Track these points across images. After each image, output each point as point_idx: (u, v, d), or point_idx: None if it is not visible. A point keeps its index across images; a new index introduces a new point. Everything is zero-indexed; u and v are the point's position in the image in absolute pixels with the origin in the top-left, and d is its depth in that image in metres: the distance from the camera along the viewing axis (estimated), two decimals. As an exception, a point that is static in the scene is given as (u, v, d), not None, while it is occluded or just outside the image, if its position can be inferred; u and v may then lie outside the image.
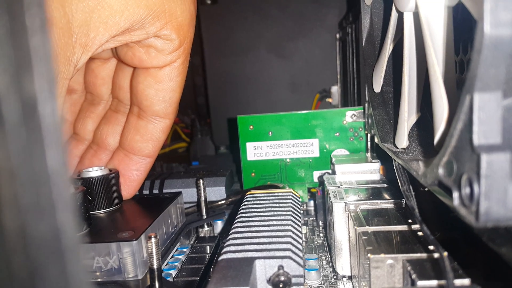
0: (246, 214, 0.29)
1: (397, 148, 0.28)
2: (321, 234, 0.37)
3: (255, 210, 0.30)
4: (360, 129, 0.42)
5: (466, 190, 0.16)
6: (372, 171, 0.35)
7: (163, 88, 0.31)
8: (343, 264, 0.28)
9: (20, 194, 0.07)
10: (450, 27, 0.22)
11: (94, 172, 0.31)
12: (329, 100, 0.65)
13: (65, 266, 0.08)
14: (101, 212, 0.31)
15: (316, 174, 0.44)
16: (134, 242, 0.25)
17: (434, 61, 0.21)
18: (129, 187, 0.34)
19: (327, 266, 0.31)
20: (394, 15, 0.28)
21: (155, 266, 0.25)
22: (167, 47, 0.30)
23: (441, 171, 0.18)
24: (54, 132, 0.08)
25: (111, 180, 0.31)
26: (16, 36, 0.07)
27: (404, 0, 0.24)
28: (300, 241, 0.25)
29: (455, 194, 0.17)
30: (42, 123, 0.07)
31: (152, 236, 0.25)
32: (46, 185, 0.08)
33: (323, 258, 0.32)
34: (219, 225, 0.39)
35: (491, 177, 0.15)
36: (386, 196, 0.29)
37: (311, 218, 0.41)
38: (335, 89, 0.63)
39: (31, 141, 0.07)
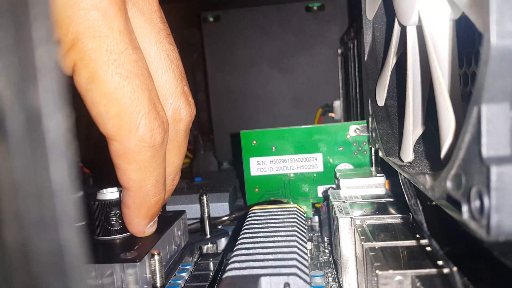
0: (251, 230, 0.28)
1: (403, 162, 0.28)
2: (327, 250, 0.36)
3: (260, 226, 0.29)
4: (364, 143, 0.42)
5: (475, 203, 0.16)
6: (377, 185, 0.34)
7: None
8: (350, 281, 0.28)
9: (22, 209, 0.07)
10: (453, 40, 0.22)
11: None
12: (332, 114, 0.65)
13: (68, 285, 0.07)
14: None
15: (321, 189, 0.43)
16: (138, 263, 0.24)
17: (439, 74, 0.21)
18: (128, 226, 0.30)
19: (333, 283, 0.30)
20: (396, 29, 0.28)
21: (158, 285, 0.25)
22: None
23: (449, 184, 0.18)
24: (59, 146, 0.07)
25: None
26: (22, 47, 0.07)
27: (407, 14, 0.24)
28: (306, 257, 0.25)
29: (465, 208, 0.16)
30: (46, 136, 0.07)
31: (155, 253, 0.25)
32: (49, 200, 0.07)
33: (329, 275, 0.32)
34: (223, 241, 0.39)
35: (501, 190, 0.14)
36: (393, 210, 0.29)
37: (316, 234, 0.40)
38: (338, 104, 0.64)
39: (35, 155, 0.07)
